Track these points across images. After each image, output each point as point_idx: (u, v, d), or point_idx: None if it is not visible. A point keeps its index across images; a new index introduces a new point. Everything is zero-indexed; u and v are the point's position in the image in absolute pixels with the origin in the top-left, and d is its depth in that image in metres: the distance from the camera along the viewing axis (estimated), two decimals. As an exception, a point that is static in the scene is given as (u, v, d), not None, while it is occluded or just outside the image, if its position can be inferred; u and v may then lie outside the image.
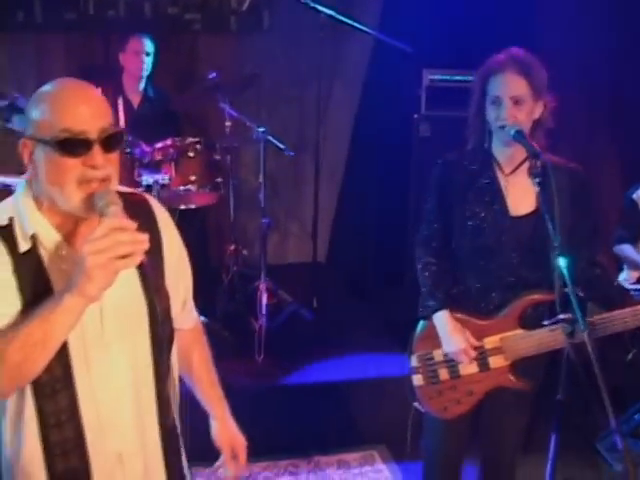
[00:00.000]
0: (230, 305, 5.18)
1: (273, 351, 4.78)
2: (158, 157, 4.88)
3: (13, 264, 1.92)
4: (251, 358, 4.72)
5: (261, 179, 5.15)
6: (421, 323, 3.20)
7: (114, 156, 1.95)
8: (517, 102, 2.89)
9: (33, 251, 1.95)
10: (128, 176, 4.68)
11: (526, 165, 2.96)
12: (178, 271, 2.23)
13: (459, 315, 3.08)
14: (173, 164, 4.85)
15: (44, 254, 1.96)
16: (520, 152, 2.98)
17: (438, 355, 3.14)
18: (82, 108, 1.90)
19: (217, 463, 2.49)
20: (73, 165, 1.88)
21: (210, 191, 5.04)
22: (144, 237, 1.80)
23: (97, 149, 1.89)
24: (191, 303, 2.39)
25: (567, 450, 2.83)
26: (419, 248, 3.21)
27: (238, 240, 5.48)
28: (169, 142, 4.91)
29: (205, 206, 5.28)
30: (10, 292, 1.90)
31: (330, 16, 4.95)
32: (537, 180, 2.79)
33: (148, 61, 5.52)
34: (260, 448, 4.29)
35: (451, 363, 3.12)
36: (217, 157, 5.04)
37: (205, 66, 5.84)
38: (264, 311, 4.91)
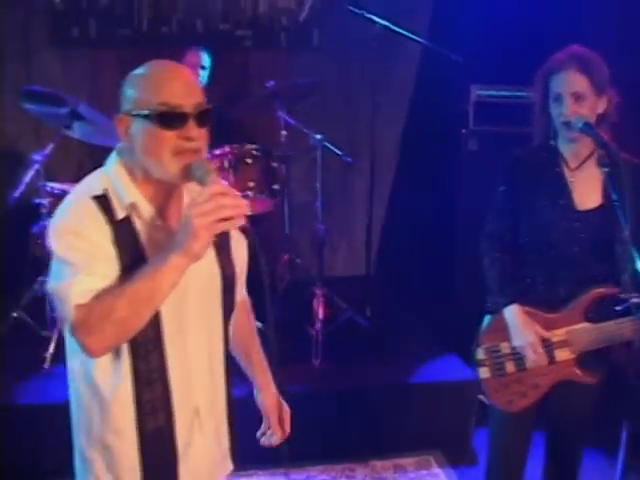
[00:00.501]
0: (285, 313, 5.20)
1: (330, 355, 4.78)
2: (216, 164, 4.93)
3: (112, 232, 2.00)
4: (308, 362, 4.74)
5: (318, 187, 5.17)
6: (488, 317, 3.22)
7: (205, 131, 2.06)
8: (578, 98, 2.92)
9: (128, 220, 2.04)
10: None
11: (592, 160, 3.01)
12: (236, 247, 2.32)
13: (527, 308, 3.10)
14: (232, 170, 4.91)
15: (138, 223, 2.05)
16: (586, 147, 3.02)
17: (505, 348, 3.15)
18: (178, 84, 2.03)
19: (260, 431, 2.56)
20: (169, 137, 1.98)
21: (267, 197, 5.08)
22: (245, 202, 1.90)
23: (192, 122, 2.00)
24: (244, 277, 2.47)
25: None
26: (486, 243, 3.23)
27: (291, 249, 5.52)
28: (227, 149, 4.96)
29: (260, 214, 5.28)
30: (110, 258, 1.99)
31: (385, 27, 5.00)
32: (606, 170, 2.83)
33: (203, 74, 5.60)
34: (317, 451, 4.37)
35: (517, 356, 3.13)
36: (274, 164, 5.08)
37: (256, 82, 5.95)
38: (321, 316, 4.92)
